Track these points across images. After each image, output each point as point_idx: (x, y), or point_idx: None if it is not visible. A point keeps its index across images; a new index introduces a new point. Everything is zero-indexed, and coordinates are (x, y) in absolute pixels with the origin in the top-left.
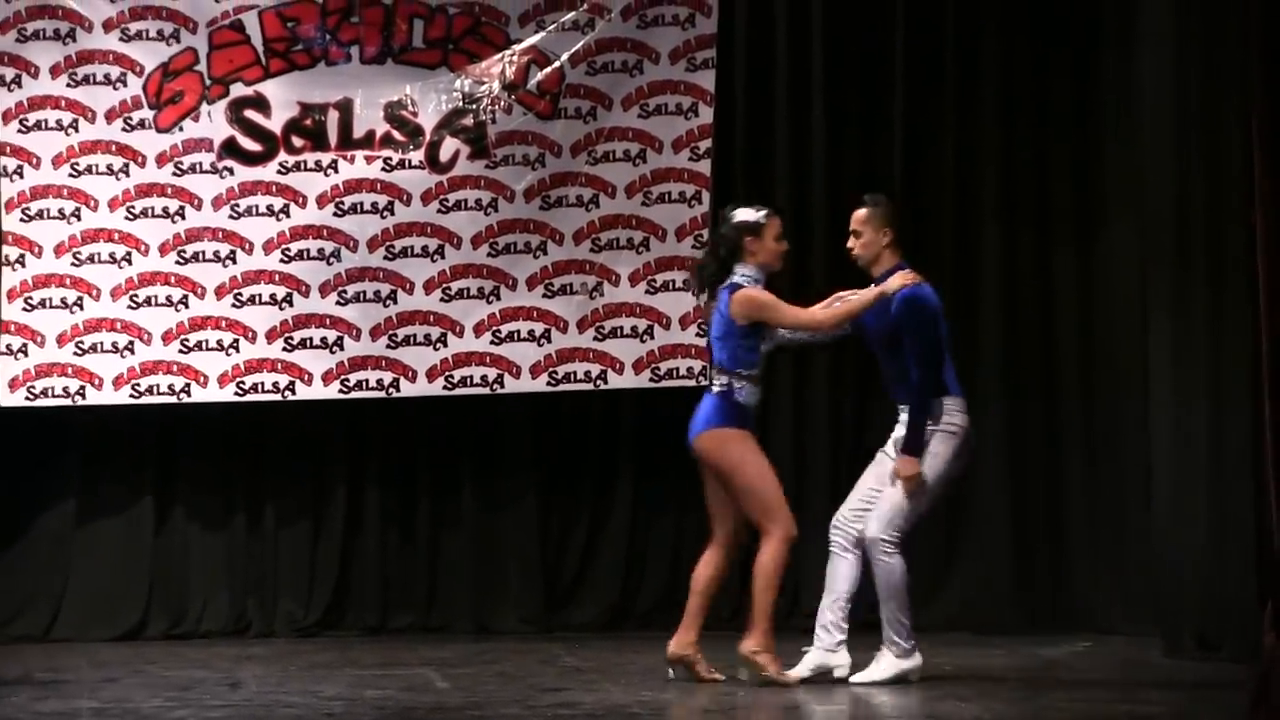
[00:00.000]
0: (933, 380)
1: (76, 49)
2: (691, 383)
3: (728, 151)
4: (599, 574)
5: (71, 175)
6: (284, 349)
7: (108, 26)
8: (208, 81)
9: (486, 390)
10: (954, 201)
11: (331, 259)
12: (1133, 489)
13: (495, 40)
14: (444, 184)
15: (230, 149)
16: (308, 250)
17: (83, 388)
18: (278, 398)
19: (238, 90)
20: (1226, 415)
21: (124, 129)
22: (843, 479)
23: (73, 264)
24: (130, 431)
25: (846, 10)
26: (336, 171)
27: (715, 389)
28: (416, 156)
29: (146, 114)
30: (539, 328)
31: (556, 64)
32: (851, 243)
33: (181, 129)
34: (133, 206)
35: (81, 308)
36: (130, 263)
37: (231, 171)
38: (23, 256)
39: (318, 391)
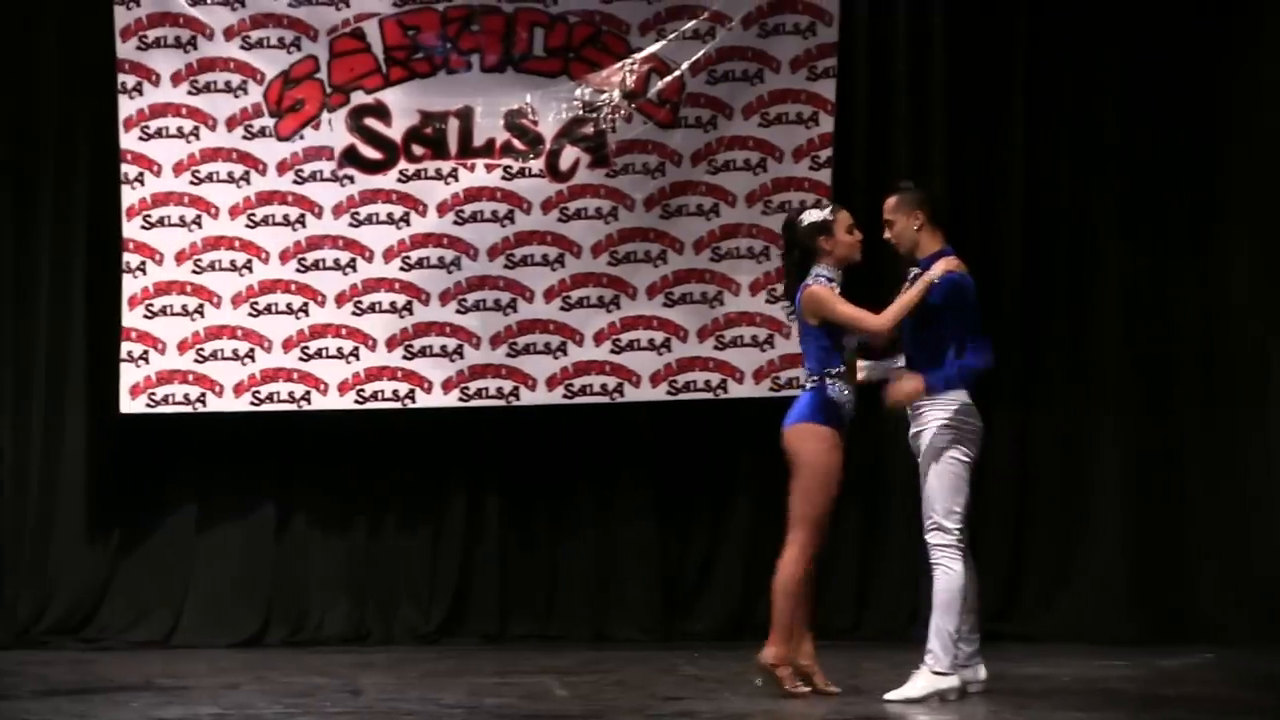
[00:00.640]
0: (971, 363)
1: (197, 56)
2: None
3: (847, 160)
4: (718, 583)
5: (192, 183)
6: (404, 357)
7: (228, 34)
8: (328, 89)
9: (606, 399)
10: (1073, 209)
11: (451, 267)
12: (1254, 499)
13: (616, 49)
14: (564, 192)
15: (351, 157)
16: (428, 258)
17: (203, 395)
18: (397, 405)
19: (358, 98)
20: None
21: (244, 137)
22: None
23: (193, 271)
24: (250, 439)
25: (967, 19)
26: (456, 180)
27: (808, 385)
28: (536, 165)
29: (267, 122)
30: (659, 336)
31: (677, 72)
32: (886, 233)
33: (302, 137)
34: (253, 214)
35: (202, 315)
36: (251, 270)
37: (352, 179)
38: (144, 264)
39: (437, 399)
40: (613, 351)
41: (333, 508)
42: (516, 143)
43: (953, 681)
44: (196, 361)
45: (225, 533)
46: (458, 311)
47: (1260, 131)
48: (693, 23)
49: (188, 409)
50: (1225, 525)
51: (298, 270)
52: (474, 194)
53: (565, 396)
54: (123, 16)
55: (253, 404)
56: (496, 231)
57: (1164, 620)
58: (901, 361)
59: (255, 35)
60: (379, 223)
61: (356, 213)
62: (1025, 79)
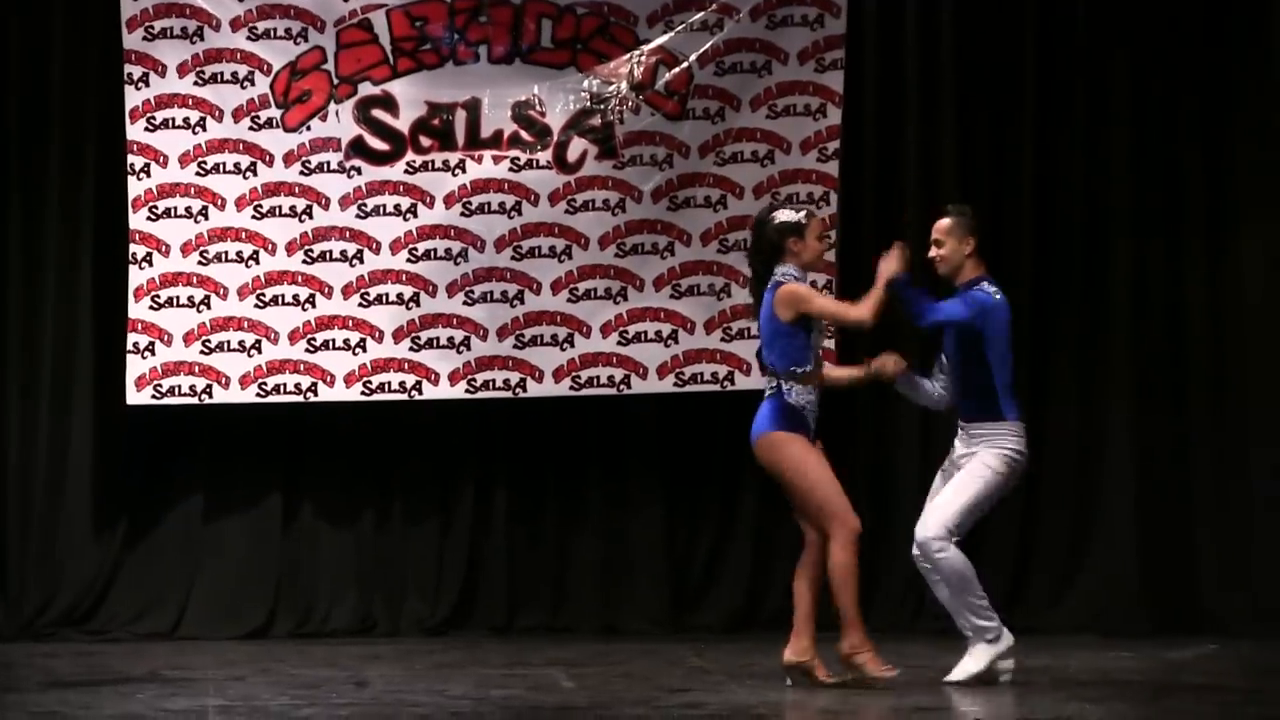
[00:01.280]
0: (1008, 387)
1: (204, 47)
2: None
3: (856, 153)
4: (726, 576)
5: (199, 174)
6: (411, 349)
7: (235, 25)
8: (335, 80)
9: (613, 391)
10: (1085, 205)
11: (459, 259)
12: (1262, 495)
13: (623, 40)
14: (572, 184)
15: (358, 148)
16: (435, 250)
17: (209, 386)
18: (404, 397)
19: (365, 89)
20: None
21: (251, 128)
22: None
23: (199, 263)
24: (257, 431)
25: (977, 12)
26: (464, 171)
27: (767, 393)
28: (544, 157)
29: (274, 113)
30: (666, 328)
31: (685, 64)
32: (934, 252)
33: (309, 128)
34: (260, 205)
35: (208, 306)
36: (257, 262)
37: (359, 171)
38: (150, 255)
39: (444, 391)
40: (620, 343)
41: (339, 500)
42: (524, 134)
43: (1007, 640)
44: (203, 353)
45: (231, 524)
46: (465, 303)
47: (1273, 128)
48: (700, 14)
49: (194, 401)
50: (1232, 520)
51: (304, 262)
52: (481, 185)
53: (572, 388)
54: (129, 7)
55: (259, 396)
56: (504, 223)
57: (1172, 613)
58: (937, 387)
59: (262, 26)
60: (386, 214)
61: (363, 204)
62: (1036, 73)
